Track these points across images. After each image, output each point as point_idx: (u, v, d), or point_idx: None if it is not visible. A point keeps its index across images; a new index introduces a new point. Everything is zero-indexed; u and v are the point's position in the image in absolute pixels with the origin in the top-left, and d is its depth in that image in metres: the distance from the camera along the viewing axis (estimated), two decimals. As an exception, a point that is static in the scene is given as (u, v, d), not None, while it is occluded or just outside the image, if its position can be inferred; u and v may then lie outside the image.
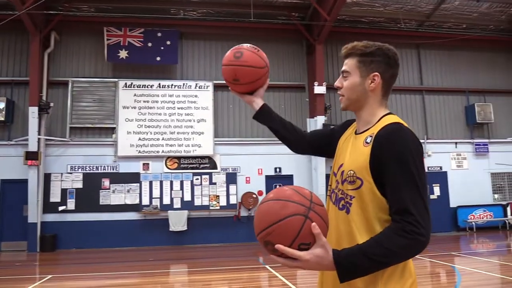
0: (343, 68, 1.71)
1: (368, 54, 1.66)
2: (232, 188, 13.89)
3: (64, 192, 13.08)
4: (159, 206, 13.37)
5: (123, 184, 13.33)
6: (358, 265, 1.35)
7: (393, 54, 1.70)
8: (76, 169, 13.28)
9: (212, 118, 14.12)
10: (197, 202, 13.64)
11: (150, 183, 13.50)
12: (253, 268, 9.40)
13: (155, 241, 13.11)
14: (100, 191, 13.22)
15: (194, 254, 11.85)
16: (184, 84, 14.15)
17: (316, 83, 13.93)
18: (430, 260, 9.44)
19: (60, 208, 12.98)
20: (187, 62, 14.53)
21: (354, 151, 1.62)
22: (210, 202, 13.70)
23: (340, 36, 15.03)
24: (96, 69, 14.01)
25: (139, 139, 13.59)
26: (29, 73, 13.14)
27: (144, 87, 13.92)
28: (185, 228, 13.24)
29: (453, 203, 15.44)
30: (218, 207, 13.71)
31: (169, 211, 13.28)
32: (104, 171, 13.36)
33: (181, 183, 13.68)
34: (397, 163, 1.44)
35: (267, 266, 9.21)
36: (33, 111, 12.78)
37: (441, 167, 15.65)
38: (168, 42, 14.02)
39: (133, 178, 13.43)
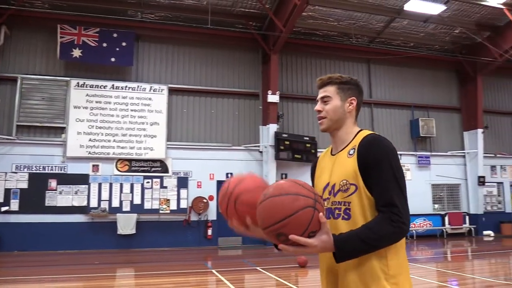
0: (323, 94, 1.97)
1: (345, 82, 1.96)
2: (183, 192, 13.93)
3: (7, 192, 12.60)
4: (107, 209, 13.19)
5: (71, 186, 13.06)
6: (354, 247, 1.60)
7: (361, 85, 2.03)
8: (21, 169, 12.86)
9: (166, 122, 14.12)
10: (147, 205, 13.57)
11: (99, 185, 13.30)
12: (201, 272, 9.52)
13: (102, 244, 12.93)
14: (47, 192, 12.87)
15: (142, 258, 11.80)
16: (138, 86, 14.07)
17: (270, 92, 14.26)
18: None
19: (3, 208, 12.48)
20: (142, 65, 14.47)
21: (339, 165, 1.87)
22: (160, 206, 13.67)
23: (295, 47, 15.54)
24: (48, 66, 13.67)
25: (90, 140, 13.37)
26: (-26, 68, 12.66)
27: (97, 88, 13.72)
28: (133, 231, 13.14)
29: (395, 212, 16.16)
30: (168, 211, 13.71)
31: (117, 214, 13.13)
32: (52, 171, 13.03)
33: (131, 186, 13.57)
34: (380, 165, 1.71)
35: (213, 271, 9.38)
36: (-23, 107, 12.32)
37: (386, 177, 16.34)
38: (124, 44, 13.91)
39: (82, 179, 13.18)
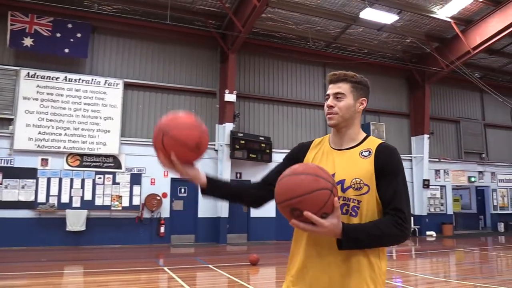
0: (337, 90, 1.97)
1: (359, 82, 2.00)
2: (136, 189, 13.73)
3: (-50, 186, 11.98)
4: (56, 205, 12.78)
5: (18, 180, 12.53)
6: (360, 238, 1.68)
7: (365, 80, 2.05)
8: (-37, 161, 12.25)
9: (120, 117, 13.86)
10: (98, 201, 13.26)
11: (48, 179, 12.85)
12: (152, 270, 9.44)
13: (50, 241, 12.51)
14: (-9, 185, 12.32)
15: (92, 255, 11.55)
16: (93, 79, 13.72)
17: (227, 91, 14.34)
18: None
19: None
20: (97, 57, 14.12)
21: (349, 163, 1.90)
22: (112, 203, 13.41)
23: (253, 47, 15.72)
24: (-4, 54, 13.08)
25: (39, 132, 12.90)
26: None
27: (49, 79, 13.25)
28: (83, 228, 12.82)
29: (345, 212, 16.70)
30: (120, 208, 13.47)
31: (67, 210, 12.76)
32: (-3, 164, 12.49)
33: (82, 181, 13.22)
34: (397, 174, 1.84)
35: (165, 268, 9.34)
36: None
37: (337, 179, 16.85)
38: (79, 35, 13.52)
39: (30, 173, 12.69)
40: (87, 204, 13.09)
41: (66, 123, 13.22)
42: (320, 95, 17.24)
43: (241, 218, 14.97)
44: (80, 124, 13.36)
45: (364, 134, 2.02)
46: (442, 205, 19.35)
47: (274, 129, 16.01)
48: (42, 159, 12.93)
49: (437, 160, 19.18)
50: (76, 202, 13.02)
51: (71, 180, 13.12)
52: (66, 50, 13.38)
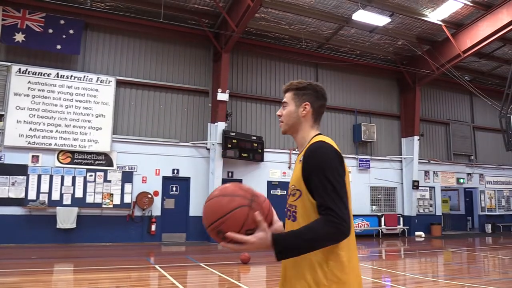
0: (283, 100, 2.07)
1: (301, 88, 2.04)
2: (128, 187, 13.70)
3: None
4: (46, 202, 12.70)
5: (8, 176, 12.43)
6: (292, 245, 1.67)
7: (320, 89, 2.07)
8: (-48, 157, 12.13)
9: (112, 114, 13.81)
10: (89, 199, 13.21)
11: (39, 176, 12.77)
12: (143, 267, 9.45)
13: (40, 238, 12.44)
14: (-20, 182, 12.21)
15: (82, 253, 11.51)
16: (85, 76, 13.66)
17: (219, 90, 14.36)
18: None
19: None
20: (90, 54, 14.05)
21: (294, 170, 1.97)
22: (103, 200, 13.37)
23: (247, 47, 15.77)
24: (-14, 50, 12.96)
25: (30, 129, 12.81)
26: None
27: (41, 75, 13.16)
28: (74, 225, 12.76)
29: (336, 212, 16.81)
30: (111, 206, 13.43)
31: (57, 207, 12.69)
32: (-13, 160, 12.38)
33: (73, 178, 13.15)
34: (321, 172, 1.76)
35: (156, 266, 9.36)
36: None
37: (328, 179, 16.95)
38: (71, 31, 13.45)
39: (20, 170, 12.60)
40: (78, 202, 13.04)
41: (57, 120, 13.14)
42: (312, 95, 17.29)
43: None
44: (71, 121, 13.29)
45: (311, 137, 2.00)
46: (431, 206, 19.56)
47: (266, 128, 16.08)
48: (33, 156, 12.84)
49: (426, 161, 19.39)
50: (67, 200, 12.96)
51: (62, 177, 13.05)
52: (58, 47, 13.30)
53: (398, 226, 17.92)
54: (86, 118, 13.48)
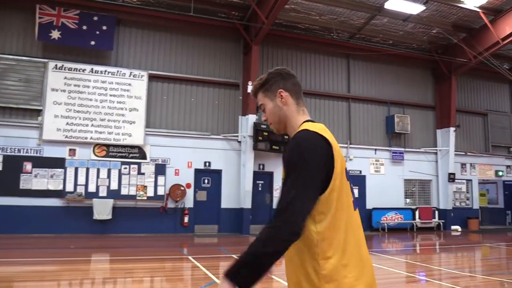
0: (258, 104, 1.94)
1: (265, 81, 1.89)
2: (161, 179, 13.93)
3: (-24, 174, 12.39)
4: (83, 194, 13.09)
5: (47, 169, 12.88)
6: (239, 267, 1.50)
7: (282, 70, 1.91)
8: (-5, 150, 12.65)
9: (145, 108, 14.05)
10: (124, 191, 13.53)
11: (76, 169, 13.17)
12: (176, 258, 9.61)
13: (77, 229, 12.84)
14: (21, 175, 12.66)
15: (118, 243, 11.80)
16: (118, 71, 13.94)
17: (250, 82, 14.35)
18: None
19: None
20: (122, 49, 14.31)
21: None
22: (137, 192, 13.65)
23: (277, 39, 15.67)
24: (25, 47, 13.36)
25: (67, 123, 13.20)
26: None
27: (76, 71, 13.52)
28: (109, 217, 13.10)
29: (369, 205, 16.63)
30: (145, 198, 13.70)
31: (94, 199, 13.05)
32: (27, 154, 12.81)
33: (109, 171, 13.49)
34: (291, 170, 1.60)
35: (190, 257, 9.48)
36: (-50, 86, 11.98)
37: (360, 171, 16.78)
38: (104, 27, 13.72)
39: (58, 163, 13.02)
40: (113, 194, 13.38)
41: (92, 114, 13.48)
42: (344, 87, 17.09)
43: (264, 209, 15.02)
44: (106, 115, 13.61)
45: (299, 125, 1.81)
46: (468, 200, 19.00)
47: (297, 121, 15.95)
48: (70, 149, 13.24)
49: (463, 153, 18.81)
50: (103, 192, 13.32)
51: (98, 170, 13.41)
52: (92, 43, 13.61)
53: (433, 220, 17.49)
54: (120, 112, 13.76)
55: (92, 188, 13.24)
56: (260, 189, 15.13)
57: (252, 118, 14.49)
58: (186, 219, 14.06)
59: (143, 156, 13.92)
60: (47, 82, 13.19)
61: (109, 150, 13.62)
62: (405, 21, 15.62)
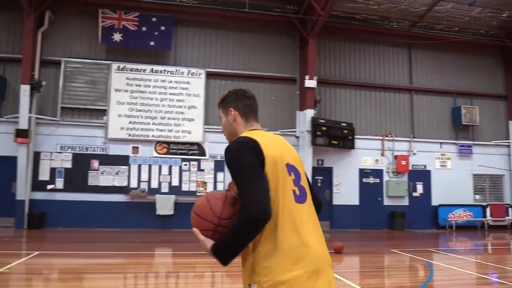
0: (219, 116, 2.22)
1: (223, 100, 2.17)
2: (220, 175, 14.08)
3: (53, 171, 13.15)
4: (147, 190, 13.51)
5: (112, 166, 13.43)
6: (221, 248, 1.76)
7: (239, 91, 2.18)
8: (65, 149, 13.34)
9: (203, 106, 14.25)
10: (185, 187, 13.81)
11: (139, 166, 13.62)
12: (237, 253, 9.58)
13: (141, 223, 13.26)
14: (89, 172, 13.32)
15: (180, 238, 12.01)
16: (176, 70, 14.23)
17: (307, 77, 14.12)
18: (408, 255, 9.77)
19: (49, 187, 13.05)
20: (180, 49, 14.59)
21: None
22: (198, 188, 13.87)
23: (333, 31, 15.29)
24: (90, 50, 14.01)
25: (130, 122, 13.68)
26: (22, 51, 13.10)
27: (137, 71, 13.98)
28: (171, 212, 13.41)
29: (434, 202, 15.84)
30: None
31: (156, 195, 13.43)
32: (94, 152, 13.44)
33: (170, 168, 13.83)
34: (231, 171, 1.86)
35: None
36: (24, 89, 12.77)
37: (425, 166, 16.01)
38: (163, 28, 14.06)
39: (122, 160, 13.53)
40: (174, 190, 13.71)
41: (153, 112, 13.87)
42: (406, 78, 16.38)
43: (324, 205, 14.70)
44: (166, 113, 13.95)
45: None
46: (545, 195, 17.55)
47: (356, 114, 15.50)
48: (133, 147, 13.72)
49: (539, 145, 17.41)
50: (165, 188, 13.69)
51: (160, 166, 13.79)
52: (152, 43, 13.99)
53: (507, 218, 16.32)
54: (179, 110, 14.05)
55: (154, 184, 13.62)
56: (319, 185, 14.86)
57: (310, 113, 14.24)
58: (245, 215, 14.05)
59: (203, 153, 14.12)
60: (110, 83, 13.74)
61: (170, 147, 13.94)
62: (471, 6, 14.70)
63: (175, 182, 13.78)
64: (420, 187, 15.91)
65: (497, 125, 17.13)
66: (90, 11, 13.81)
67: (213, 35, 14.84)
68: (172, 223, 13.44)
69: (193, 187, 13.87)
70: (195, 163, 14.02)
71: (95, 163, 13.36)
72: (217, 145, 14.15)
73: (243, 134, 1.99)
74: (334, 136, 14.38)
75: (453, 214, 15.72)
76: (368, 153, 15.42)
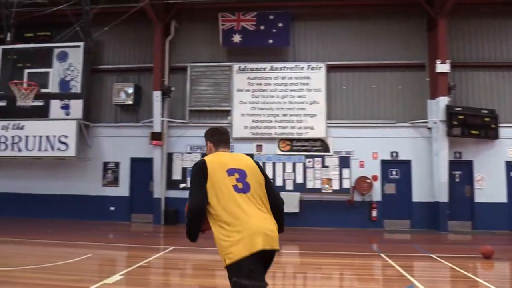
0: None
1: (205, 135, 3.10)
2: (345, 171, 13.50)
3: (184, 170, 13.96)
4: (273, 188, 13.54)
5: (250, 165, 13.74)
6: (186, 230, 2.76)
7: (211, 129, 3.12)
8: (195, 149, 14.06)
9: (325, 100, 13.82)
10: (309, 184, 13.54)
11: (263, 164, 13.69)
12: (366, 255, 8.98)
13: (268, 221, 13.30)
14: (217, 171, 13.80)
15: (306, 237, 11.79)
16: (296, 66, 14.04)
17: (438, 61, 12.83)
18: None
19: (181, 185, 13.90)
20: (299, 44, 14.36)
21: None
22: (322, 185, 13.50)
23: (467, 8, 13.67)
24: (212, 54, 14.55)
25: (253, 121, 13.87)
26: (153, 60, 14.11)
27: (257, 70, 14.12)
28: (297, 210, 13.26)
29: None
30: (331, 191, 13.45)
31: (281, 193, 13.34)
32: (221, 152, 13.88)
33: (293, 165, 13.69)
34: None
35: (382, 255, 8.76)
36: (156, 95, 13.77)
37: None
38: (280, 24, 13.99)
39: (247, 159, 13.75)
40: (299, 187, 13.52)
41: (275, 110, 13.87)
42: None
43: (464, 203, 13.23)
44: (288, 110, 13.84)
45: None
46: None
47: (500, 99, 13.55)
48: (257, 146, 13.90)
49: None
50: (289, 185, 13.59)
51: (283, 164, 13.73)
52: (270, 41, 14.00)
53: None
54: (300, 106, 13.83)
55: (279, 182, 13.60)
56: (457, 180, 13.39)
57: (443, 100, 12.91)
58: (374, 213, 13.33)
59: (326, 149, 13.71)
60: (233, 84, 14.09)
61: (293, 144, 13.81)
62: None
63: (300, 180, 13.58)
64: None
65: None
66: (210, 16, 14.31)
67: (331, 27, 14.33)
68: (298, 220, 13.25)
69: (318, 184, 13.52)
70: (319, 159, 13.65)
71: (226, 163, 13.80)
72: (341, 140, 13.63)
73: (204, 157, 2.90)
74: (473, 125, 12.84)
75: None
76: (515, 142, 13.46)
